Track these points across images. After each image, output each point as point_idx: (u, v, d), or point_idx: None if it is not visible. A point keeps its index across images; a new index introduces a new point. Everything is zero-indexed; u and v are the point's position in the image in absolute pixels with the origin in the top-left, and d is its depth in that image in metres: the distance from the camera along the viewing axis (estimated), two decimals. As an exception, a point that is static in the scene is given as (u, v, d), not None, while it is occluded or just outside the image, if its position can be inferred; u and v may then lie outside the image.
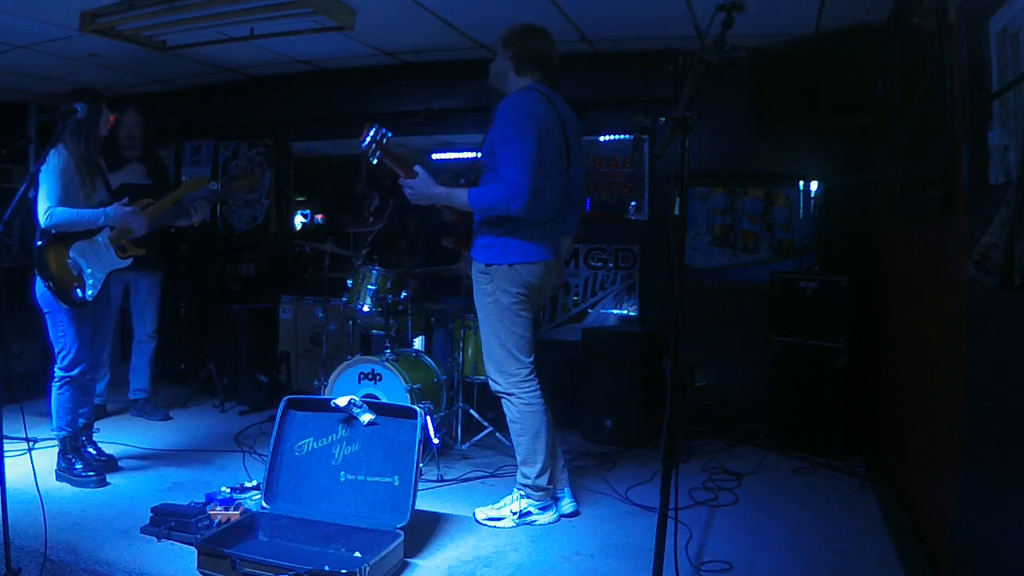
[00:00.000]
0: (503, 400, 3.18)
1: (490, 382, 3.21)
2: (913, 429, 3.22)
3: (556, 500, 3.22)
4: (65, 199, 3.29)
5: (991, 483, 2.07)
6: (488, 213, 3.06)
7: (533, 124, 2.97)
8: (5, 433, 2.33)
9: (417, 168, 3.12)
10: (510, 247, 3.06)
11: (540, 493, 3.13)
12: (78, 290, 3.36)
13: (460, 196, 3.07)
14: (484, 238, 3.12)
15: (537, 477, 3.11)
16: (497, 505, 3.17)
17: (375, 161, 3.11)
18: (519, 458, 3.16)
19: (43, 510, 2.62)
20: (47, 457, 3.65)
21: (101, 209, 3.39)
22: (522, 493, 3.14)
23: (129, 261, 3.57)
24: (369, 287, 4.20)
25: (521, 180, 2.91)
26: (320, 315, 4.80)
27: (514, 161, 2.93)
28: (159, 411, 4.78)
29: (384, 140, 3.09)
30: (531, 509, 3.13)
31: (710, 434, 4.47)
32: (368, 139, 3.08)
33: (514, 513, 3.11)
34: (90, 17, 4.19)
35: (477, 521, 3.14)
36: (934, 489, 2.70)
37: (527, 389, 3.12)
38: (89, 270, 3.40)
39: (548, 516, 3.15)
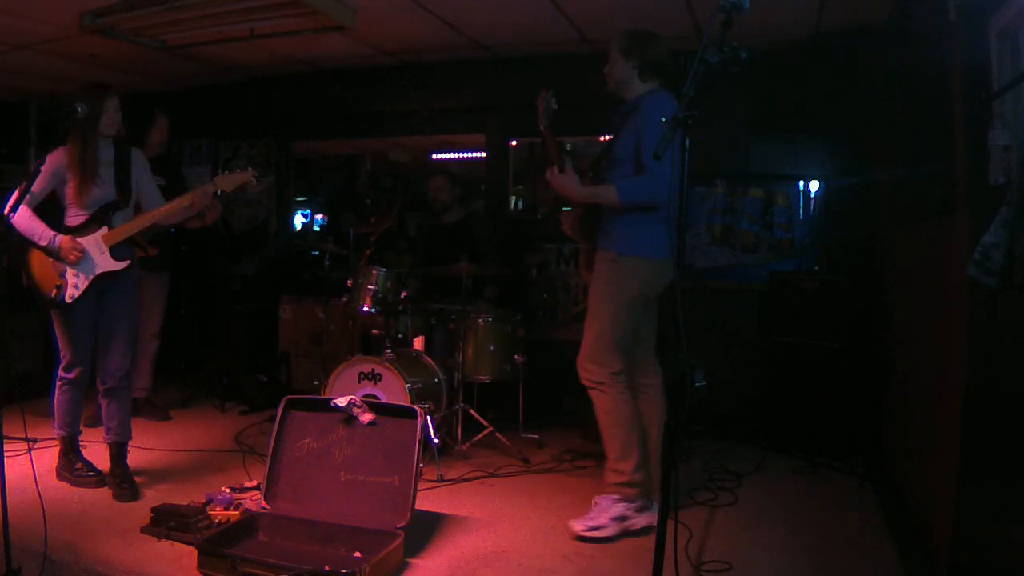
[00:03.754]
0: (593, 392, 3.12)
1: (581, 371, 3.15)
2: (913, 429, 3.22)
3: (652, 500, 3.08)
4: (57, 198, 3.27)
5: (991, 483, 2.07)
6: (634, 205, 3.06)
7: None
8: (5, 433, 2.32)
9: (568, 165, 3.19)
10: (646, 240, 3.07)
11: (635, 492, 3.02)
12: (53, 292, 3.26)
13: (607, 193, 3.09)
14: (621, 228, 3.11)
15: (634, 472, 3.01)
16: (594, 515, 3.01)
17: (543, 127, 3.21)
18: (613, 454, 3.06)
19: (43, 510, 2.62)
20: (47, 457, 3.65)
21: (53, 232, 3.22)
22: (617, 497, 3.03)
23: (124, 264, 3.34)
24: (369, 287, 4.20)
25: (668, 171, 2.88)
26: (320, 315, 4.79)
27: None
28: (159, 411, 4.78)
29: (552, 112, 3.23)
30: (628, 513, 3.01)
31: (710, 434, 4.47)
32: (543, 110, 3.21)
33: (613, 519, 2.98)
34: (90, 17, 4.19)
35: (576, 536, 2.95)
36: (934, 489, 2.70)
37: (620, 380, 3.09)
38: (74, 271, 3.27)
39: (645, 519, 3.00)
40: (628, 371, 3.14)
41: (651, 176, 2.97)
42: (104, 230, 3.32)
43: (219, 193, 3.40)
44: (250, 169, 3.39)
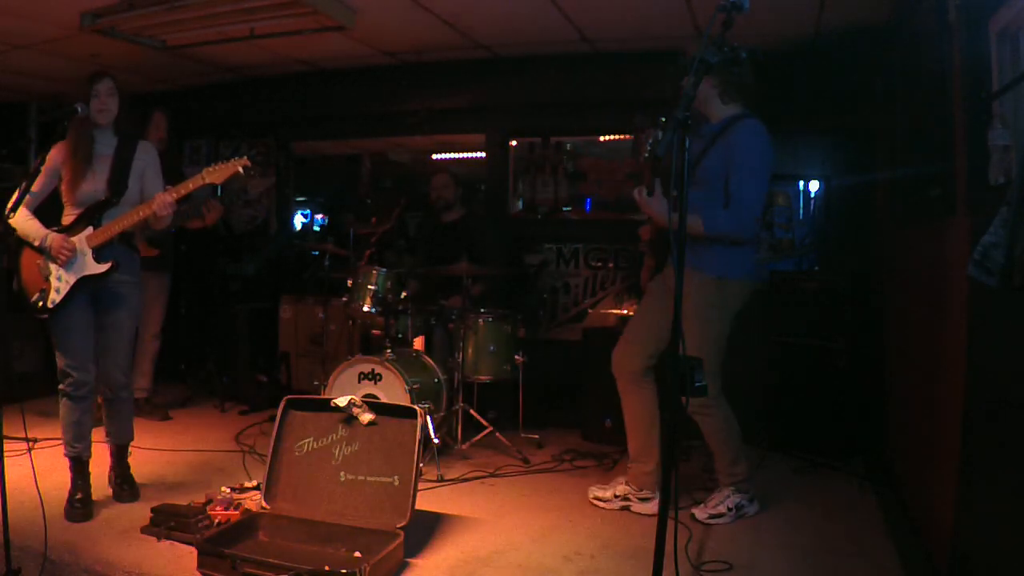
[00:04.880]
0: (698, 416, 3.20)
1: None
2: (913, 429, 3.22)
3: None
4: (50, 195, 3.14)
5: (991, 483, 2.07)
6: (716, 236, 3.08)
7: (771, 158, 3.11)
8: (5, 433, 2.32)
9: (658, 189, 3.19)
10: (745, 263, 3.17)
11: (746, 485, 3.26)
12: (38, 296, 3.08)
13: (693, 223, 3.00)
14: (722, 251, 3.12)
15: (747, 471, 3.27)
16: (715, 505, 3.24)
17: (643, 159, 3.22)
18: (727, 460, 3.26)
19: (43, 510, 2.62)
20: (47, 457, 3.65)
21: (45, 231, 3.08)
22: (734, 488, 3.26)
23: (105, 267, 3.10)
24: (369, 287, 4.20)
25: (758, 209, 3.09)
26: (320, 315, 4.80)
27: (756, 191, 3.04)
28: (159, 411, 4.78)
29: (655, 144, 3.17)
30: (743, 503, 3.25)
31: (710, 434, 4.46)
32: (651, 139, 3.17)
33: (730, 510, 3.22)
34: (90, 17, 4.19)
35: (697, 520, 3.19)
36: (934, 489, 2.71)
37: (723, 401, 3.25)
38: (58, 274, 3.08)
39: (756, 507, 3.29)
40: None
41: (741, 212, 3.02)
42: (89, 230, 3.12)
43: (218, 192, 3.23)
44: (245, 158, 3.13)
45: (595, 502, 3.38)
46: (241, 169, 3.11)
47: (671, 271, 3.27)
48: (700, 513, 3.21)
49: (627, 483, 3.37)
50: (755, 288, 3.28)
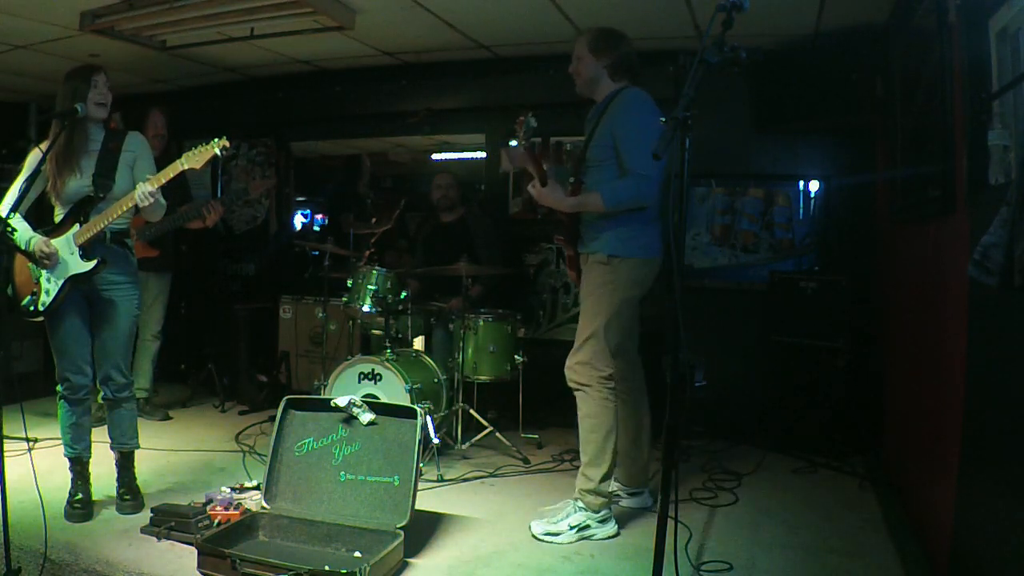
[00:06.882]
0: (578, 393, 3.08)
1: (568, 372, 3.11)
2: (913, 429, 3.22)
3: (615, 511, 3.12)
4: (34, 197, 3.03)
5: (991, 483, 2.07)
6: (620, 208, 3.02)
7: (655, 122, 2.97)
8: (5, 433, 2.32)
9: (549, 177, 3.16)
10: (637, 241, 3.06)
11: (599, 502, 3.00)
12: (28, 300, 3.01)
13: (592, 200, 3.04)
14: (610, 230, 3.07)
15: (601, 481, 2.98)
16: (555, 519, 3.01)
17: (522, 146, 3.15)
18: (585, 459, 3.03)
19: (43, 510, 2.62)
20: (47, 457, 3.65)
21: (31, 235, 2.98)
22: (581, 505, 3.00)
23: (92, 264, 3.00)
24: (369, 287, 4.20)
25: (654, 171, 2.94)
26: (320, 315, 4.81)
27: (646, 154, 2.92)
28: (159, 411, 4.78)
29: (532, 130, 3.14)
30: (590, 523, 2.99)
31: (710, 434, 4.46)
32: (522, 131, 3.11)
33: (572, 528, 2.97)
34: (90, 17, 4.19)
35: (534, 536, 2.98)
36: (934, 489, 2.71)
37: (607, 386, 3.03)
38: (47, 276, 3.01)
39: (608, 530, 3.00)
40: (618, 376, 3.10)
41: (638, 179, 2.94)
42: (76, 228, 3.02)
43: (219, 193, 3.17)
44: (223, 139, 3.05)
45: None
46: (219, 151, 3.02)
47: (587, 260, 3.22)
48: (536, 527, 3.00)
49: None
50: (654, 266, 3.12)
